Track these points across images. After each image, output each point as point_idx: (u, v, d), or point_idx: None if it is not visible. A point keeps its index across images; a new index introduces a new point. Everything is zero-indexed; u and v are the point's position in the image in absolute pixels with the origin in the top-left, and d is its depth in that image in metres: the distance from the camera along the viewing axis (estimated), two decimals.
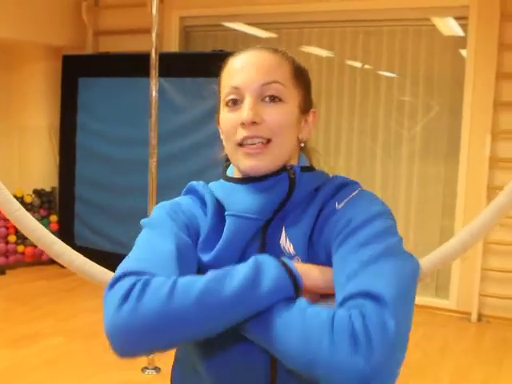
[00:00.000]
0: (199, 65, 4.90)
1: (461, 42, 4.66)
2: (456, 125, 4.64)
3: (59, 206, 5.72)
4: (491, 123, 4.38)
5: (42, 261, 5.44)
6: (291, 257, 1.03)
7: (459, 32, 4.69)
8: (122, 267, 0.98)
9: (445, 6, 4.58)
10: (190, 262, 1.04)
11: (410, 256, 0.99)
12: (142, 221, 1.12)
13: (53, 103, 5.70)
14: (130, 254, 1.03)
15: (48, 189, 5.77)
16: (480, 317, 4.52)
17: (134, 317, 0.89)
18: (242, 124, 1.04)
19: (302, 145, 1.14)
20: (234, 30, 5.44)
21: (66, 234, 5.53)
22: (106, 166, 5.29)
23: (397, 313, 0.86)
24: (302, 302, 0.92)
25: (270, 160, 1.05)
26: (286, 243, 1.05)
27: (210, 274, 0.93)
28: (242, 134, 1.05)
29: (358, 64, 5.10)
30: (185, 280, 0.92)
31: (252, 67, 1.07)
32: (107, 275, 1.27)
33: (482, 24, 4.40)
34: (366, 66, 5.08)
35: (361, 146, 5.03)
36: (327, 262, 1.01)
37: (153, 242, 1.04)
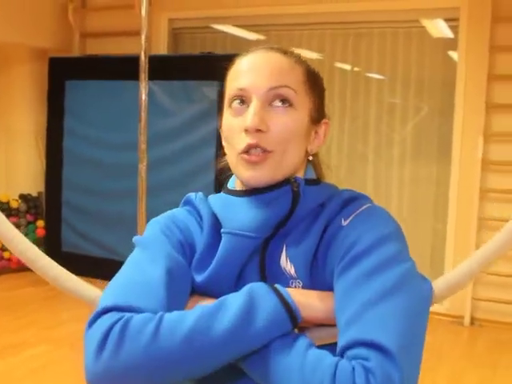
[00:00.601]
0: (188, 67, 4.84)
1: (452, 43, 4.61)
2: (447, 127, 4.59)
3: (46, 211, 5.60)
4: (483, 125, 4.32)
5: (29, 267, 5.31)
6: (292, 279, 0.93)
7: (450, 34, 4.64)
8: (104, 299, 0.88)
9: (435, 7, 4.52)
10: (182, 285, 0.94)
11: (421, 283, 0.89)
12: (135, 238, 1.01)
13: (39, 107, 5.57)
14: (116, 280, 0.93)
15: (34, 194, 5.66)
16: (473, 320, 4.45)
17: (114, 364, 0.80)
18: (246, 130, 0.93)
19: (311, 158, 1.02)
20: (223, 32, 5.36)
21: (52, 239, 5.46)
22: (94, 171, 5.19)
23: (403, 364, 0.77)
24: (301, 343, 0.83)
25: (271, 170, 0.94)
26: (286, 264, 0.94)
27: (199, 309, 0.84)
28: (245, 141, 0.94)
29: (348, 66, 5.05)
30: (171, 317, 0.83)
31: (261, 69, 0.96)
32: (94, 292, 1.16)
33: (472, 25, 4.35)
34: (357, 69, 5.03)
35: (352, 148, 4.97)
36: (332, 287, 0.91)
37: (141, 267, 0.94)
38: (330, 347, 0.85)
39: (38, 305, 4.62)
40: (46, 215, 5.60)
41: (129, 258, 0.98)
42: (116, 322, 0.82)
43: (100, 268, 5.17)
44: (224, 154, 1.04)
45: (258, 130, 0.92)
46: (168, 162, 4.77)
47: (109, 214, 5.13)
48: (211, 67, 4.70)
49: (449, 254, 4.52)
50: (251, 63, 0.98)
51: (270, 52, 0.99)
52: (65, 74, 5.32)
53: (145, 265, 0.93)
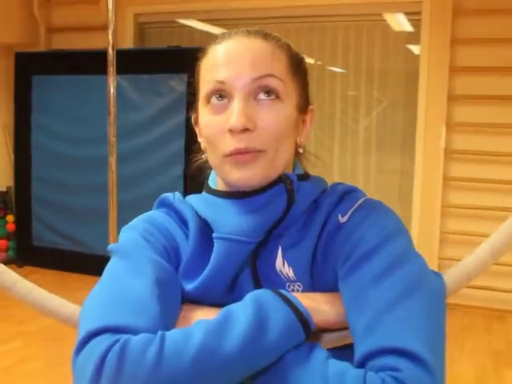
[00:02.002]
0: (156, 61, 4.78)
1: (414, 37, 4.58)
2: (411, 118, 4.58)
3: (15, 205, 5.45)
4: (446, 116, 4.32)
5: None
6: (289, 283, 0.83)
7: (412, 28, 4.62)
8: (90, 319, 0.74)
9: (398, 1, 4.49)
10: (173, 294, 0.82)
11: (434, 279, 0.81)
12: (110, 246, 0.87)
13: (6, 102, 5.40)
14: (98, 296, 0.79)
15: (3, 188, 5.50)
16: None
17: None
18: (231, 131, 0.81)
19: (301, 150, 0.92)
20: (189, 26, 5.26)
21: (23, 234, 5.32)
22: (63, 165, 5.06)
23: (435, 368, 0.68)
24: (319, 355, 0.72)
25: (263, 170, 0.83)
26: (283, 267, 0.84)
27: (203, 324, 0.72)
28: (231, 144, 0.81)
29: (312, 60, 5.02)
30: (174, 336, 0.71)
31: (240, 58, 0.83)
32: (66, 308, 1.07)
33: (434, 19, 4.32)
34: (321, 62, 5.00)
35: (317, 139, 4.96)
36: (334, 287, 0.82)
37: (126, 279, 0.80)
38: (338, 350, 0.78)
39: (11, 300, 4.51)
40: (15, 210, 5.46)
41: (107, 270, 0.84)
42: (112, 346, 0.70)
43: (71, 262, 5.10)
44: (199, 151, 0.94)
45: (245, 130, 0.81)
46: (137, 155, 4.68)
47: (79, 208, 5.02)
48: (178, 60, 4.67)
49: (414, 240, 4.53)
50: (229, 52, 0.84)
51: (249, 37, 0.86)
52: (31, 69, 5.17)
53: (129, 276, 0.80)
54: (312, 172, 0.96)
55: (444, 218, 4.43)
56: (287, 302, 0.77)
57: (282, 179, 0.86)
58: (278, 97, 0.84)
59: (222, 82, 0.83)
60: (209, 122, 0.85)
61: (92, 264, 4.81)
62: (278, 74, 0.84)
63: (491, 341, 3.89)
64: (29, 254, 5.28)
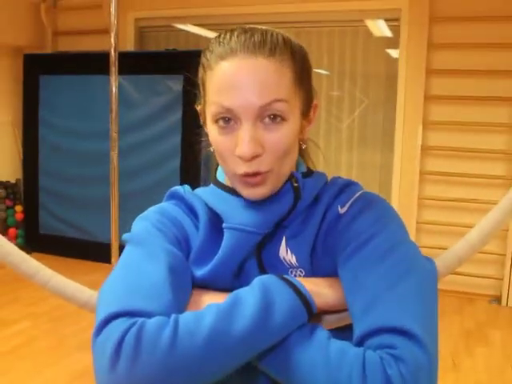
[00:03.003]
0: (155, 63, 4.77)
1: (393, 42, 4.59)
2: (390, 117, 4.60)
3: (24, 196, 5.44)
4: (422, 115, 4.34)
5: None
6: (292, 269, 0.84)
7: (391, 33, 4.63)
8: (107, 304, 0.74)
9: (379, 9, 4.49)
10: (185, 281, 0.82)
11: (427, 263, 0.81)
12: (125, 236, 0.87)
13: (16, 100, 5.38)
14: (115, 283, 0.78)
15: (13, 180, 5.50)
16: None
17: (133, 375, 0.67)
18: (240, 157, 0.80)
19: (304, 146, 0.92)
20: (185, 30, 5.25)
21: (31, 223, 5.33)
22: (68, 159, 5.05)
23: (429, 345, 0.69)
24: (320, 335, 0.73)
25: (271, 186, 0.84)
26: (286, 254, 0.85)
27: (214, 307, 0.72)
28: (241, 168, 0.80)
29: None
30: (187, 318, 0.71)
31: (247, 84, 0.78)
32: (83, 293, 1.06)
33: (412, 25, 4.34)
34: None
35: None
36: (333, 273, 0.82)
37: (141, 266, 0.79)
38: (338, 331, 0.78)
39: (22, 282, 4.49)
40: (24, 200, 5.45)
41: (123, 258, 0.83)
42: (129, 329, 0.69)
43: (75, 248, 5.10)
44: (201, 135, 0.92)
45: (255, 157, 0.80)
46: (137, 150, 4.68)
47: (83, 199, 5.01)
48: (175, 62, 4.66)
49: None
50: (235, 76, 0.79)
51: (254, 56, 0.80)
52: (39, 70, 5.15)
53: (144, 263, 0.79)
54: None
55: (420, 210, 4.45)
56: (291, 286, 0.77)
57: (288, 178, 0.86)
58: (282, 119, 0.81)
59: (229, 109, 0.80)
60: (217, 141, 0.83)
61: (95, 250, 4.82)
62: (284, 95, 0.81)
63: (463, 321, 3.91)
64: (36, 242, 5.27)
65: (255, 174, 0.81)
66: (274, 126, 0.81)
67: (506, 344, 3.55)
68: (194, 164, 4.38)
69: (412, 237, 4.39)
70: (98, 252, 4.66)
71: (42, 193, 5.29)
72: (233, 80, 0.79)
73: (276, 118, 0.80)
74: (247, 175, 0.81)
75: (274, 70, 0.80)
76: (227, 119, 0.81)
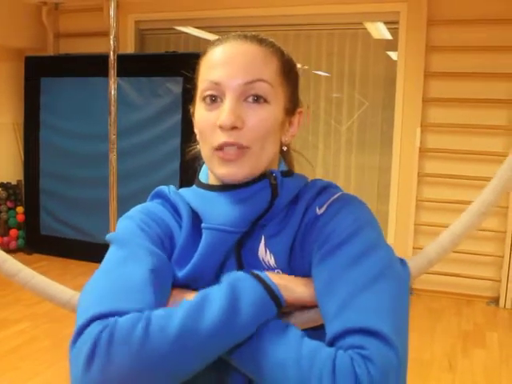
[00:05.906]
0: (154, 65, 4.78)
1: (392, 44, 4.60)
2: (389, 119, 4.60)
3: (25, 198, 5.44)
4: (420, 117, 4.33)
5: (10, 249, 5.20)
6: (270, 270, 0.84)
7: (391, 35, 4.64)
8: (87, 308, 0.74)
9: (378, 11, 4.49)
10: (166, 281, 0.82)
11: (401, 266, 0.81)
12: (108, 236, 0.88)
13: (17, 102, 5.39)
14: (97, 284, 0.79)
15: (14, 182, 5.50)
16: (410, 290, 4.51)
17: (106, 373, 0.67)
18: (221, 127, 0.82)
19: (285, 148, 0.93)
20: (185, 32, 5.26)
21: (32, 224, 5.32)
22: (68, 160, 5.05)
23: (398, 346, 0.69)
24: (293, 333, 0.73)
25: (248, 167, 0.84)
26: (265, 255, 0.85)
27: (184, 306, 0.73)
28: (220, 138, 0.83)
29: (299, 65, 5.03)
30: (159, 316, 0.71)
31: (235, 61, 0.84)
32: (65, 294, 1.05)
33: (411, 28, 4.34)
34: (307, 67, 5.01)
35: (303, 138, 4.97)
36: (310, 275, 0.82)
37: (123, 267, 0.79)
38: (311, 330, 0.78)
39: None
40: (25, 202, 5.45)
41: (106, 259, 0.83)
42: (103, 329, 0.69)
43: (75, 249, 5.10)
44: (195, 141, 0.94)
45: (234, 128, 0.82)
46: (137, 152, 4.68)
47: (83, 200, 5.01)
48: (175, 64, 4.66)
49: (391, 232, 4.55)
50: (225, 55, 0.85)
51: (245, 42, 0.86)
52: (40, 72, 5.15)
53: (126, 265, 0.80)
54: (298, 169, 0.97)
55: (418, 211, 4.45)
56: (257, 278, 0.78)
57: (266, 175, 0.86)
58: (265, 101, 0.84)
59: (216, 83, 0.84)
60: (202, 116, 0.86)
61: (94, 251, 4.79)
62: (268, 78, 0.85)
63: (460, 323, 3.91)
64: (37, 243, 5.27)
65: (233, 145, 0.83)
66: (256, 106, 0.84)
67: (504, 346, 3.55)
68: (194, 166, 4.38)
69: (410, 238, 4.40)
70: (97, 253, 4.62)
71: (43, 194, 5.29)
72: (222, 58, 0.85)
73: (259, 98, 0.84)
74: (226, 145, 0.83)
75: (263, 55, 0.86)
76: (213, 98, 0.84)
